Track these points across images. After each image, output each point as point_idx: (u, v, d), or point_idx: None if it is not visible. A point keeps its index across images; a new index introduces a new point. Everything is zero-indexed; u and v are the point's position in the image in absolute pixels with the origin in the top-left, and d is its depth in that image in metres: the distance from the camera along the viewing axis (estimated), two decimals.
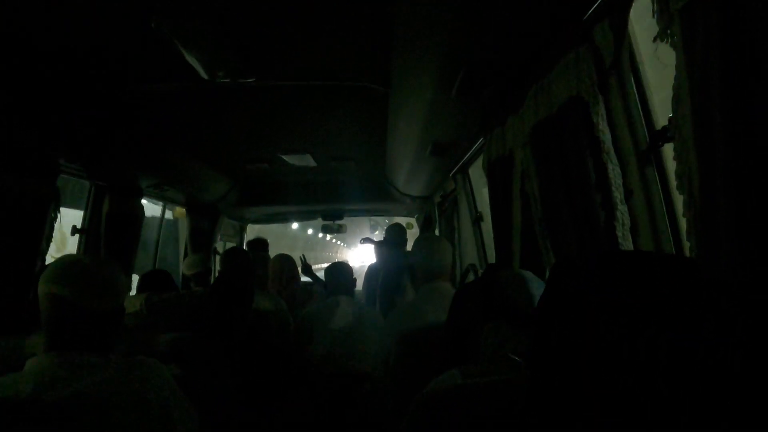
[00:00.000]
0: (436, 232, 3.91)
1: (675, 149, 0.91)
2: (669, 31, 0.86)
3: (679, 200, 1.03)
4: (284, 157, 3.14)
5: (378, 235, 5.54)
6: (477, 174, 2.80)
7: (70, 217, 2.52)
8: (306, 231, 19.18)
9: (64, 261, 1.02)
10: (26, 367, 0.95)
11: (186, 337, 1.74)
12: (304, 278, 3.63)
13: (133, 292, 2.68)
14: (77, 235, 2.57)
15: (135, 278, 2.74)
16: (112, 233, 2.49)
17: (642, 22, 1.10)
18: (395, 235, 3.52)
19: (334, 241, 28.33)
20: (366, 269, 3.66)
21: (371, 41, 1.64)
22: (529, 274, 1.02)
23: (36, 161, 1.87)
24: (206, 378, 1.65)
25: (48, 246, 1.89)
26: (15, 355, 1.41)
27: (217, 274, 3.49)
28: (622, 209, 1.06)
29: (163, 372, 1.07)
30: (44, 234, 1.85)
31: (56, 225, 1.92)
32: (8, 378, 0.94)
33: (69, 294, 0.96)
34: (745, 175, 0.73)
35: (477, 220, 2.88)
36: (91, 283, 0.98)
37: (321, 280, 3.17)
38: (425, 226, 4.30)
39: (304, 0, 1.38)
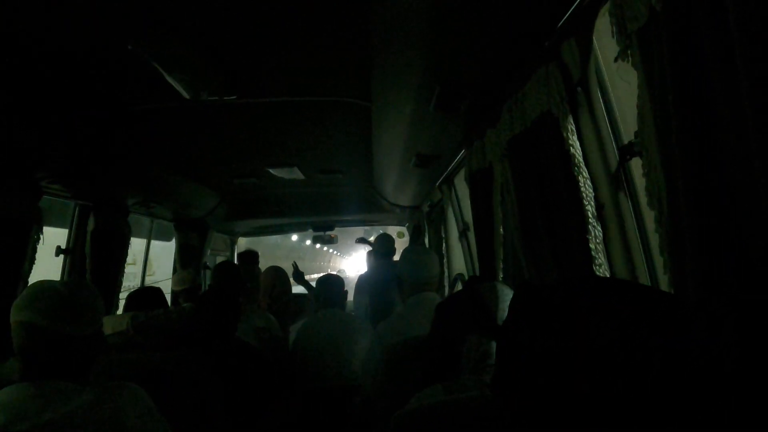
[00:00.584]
0: (426, 241, 3.92)
1: (643, 166, 0.93)
2: (629, 52, 0.89)
3: (648, 214, 1.06)
4: (271, 171, 3.14)
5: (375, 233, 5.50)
6: (464, 183, 2.82)
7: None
8: (290, 238, 18.20)
9: (37, 287, 1.00)
10: None
11: (173, 357, 1.73)
12: (296, 288, 3.61)
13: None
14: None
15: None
16: (98, 253, 2.47)
17: (608, 40, 1.13)
18: (383, 245, 3.52)
19: (325, 249, 27.82)
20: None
21: (351, 58, 1.66)
22: (507, 287, 1.04)
23: (19, 182, 1.86)
24: (194, 395, 1.64)
25: (30, 268, 1.87)
26: None
27: (207, 289, 3.46)
28: (594, 222, 1.08)
29: (141, 396, 1.06)
30: (27, 255, 1.84)
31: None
32: None
33: (43, 322, 0.95)
34: (707, 190, 0.75)
35: (464, 229, 2.90)
36: (67, 309, 0.97)
37: (313, 288, 3.16)
38: (415, 235, 4.31)
39: (284, 19, 1.40)
